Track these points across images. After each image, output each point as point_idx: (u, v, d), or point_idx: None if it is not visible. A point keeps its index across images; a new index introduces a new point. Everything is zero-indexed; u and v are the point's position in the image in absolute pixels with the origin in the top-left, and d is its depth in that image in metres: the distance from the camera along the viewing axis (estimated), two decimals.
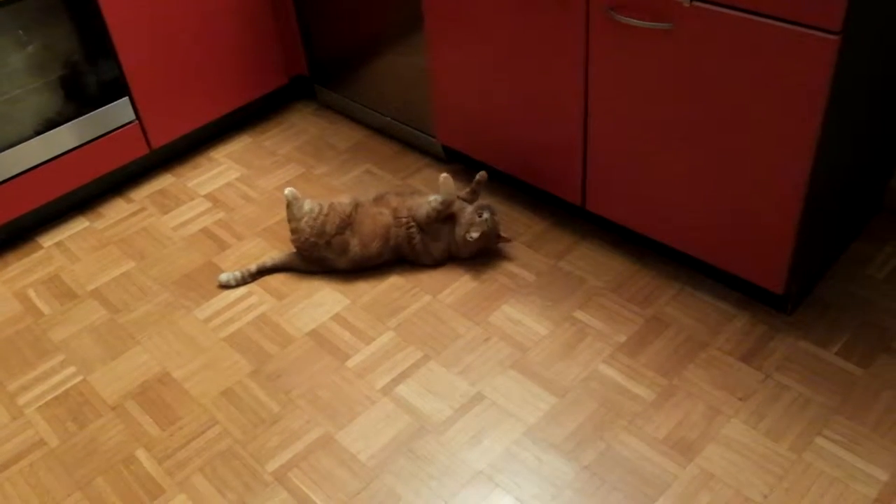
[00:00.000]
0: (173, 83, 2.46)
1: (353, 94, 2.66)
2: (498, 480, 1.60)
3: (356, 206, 2.06)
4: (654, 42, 1.67)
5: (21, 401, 1.87)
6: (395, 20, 2.30)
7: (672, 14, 1.61)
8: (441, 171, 2.45)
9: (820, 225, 1.76)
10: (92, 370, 1.93)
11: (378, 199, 2.08)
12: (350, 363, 1.88)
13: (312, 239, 2.04)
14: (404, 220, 2.04)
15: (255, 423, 1.77)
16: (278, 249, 2.22)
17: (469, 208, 2.05)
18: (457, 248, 2.08)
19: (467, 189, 2.13)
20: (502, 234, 2.09)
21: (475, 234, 2.01)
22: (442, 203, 2.01)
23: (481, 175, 2.12)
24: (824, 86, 1.46)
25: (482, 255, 2.12)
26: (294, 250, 2.13)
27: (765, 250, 1.73)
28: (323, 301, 2.05)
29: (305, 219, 2.04)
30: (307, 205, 2.06)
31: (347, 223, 2.04)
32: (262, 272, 2.13)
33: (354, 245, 2.05)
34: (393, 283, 2.08)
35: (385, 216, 2.05)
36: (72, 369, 1.94)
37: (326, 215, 2.03)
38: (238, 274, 2.11)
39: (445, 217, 2.04)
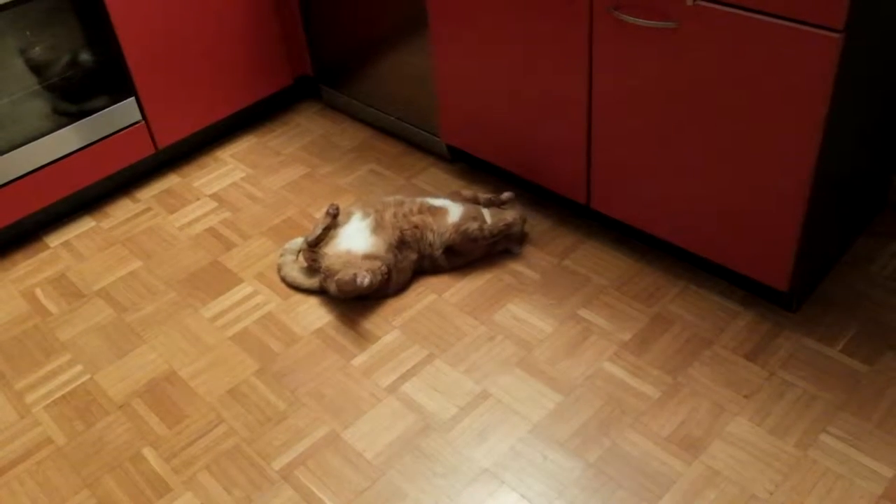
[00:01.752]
0: (179, 84, 2.47)
1: (358, 95, 2.66)
2: (503, 478, 1.61)
3: (389, 249, 2.01)
4: (657, 41, 1.67)
5: (28, 399, 1.88)
6: (399, 20, 2.31)
7: (676, 13, 1.61)
8: (445, 171, 2.46)
9: (824, 222, 1.77)
10: (99, 369, 1.94)
11: (402, 246, 2.02)
12: (356, 362, 1.89)
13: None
14: (429, 252, 2.04)
15: (262, 421, 1.77)
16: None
17: (512, 219, 2.08)
18: (482, 253, 2.11)
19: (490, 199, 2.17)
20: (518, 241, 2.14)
21: (516, 251, 2.11)
22: (494, 234, 2.04)
23: (508, 195, 2.16)
24: (828, 83, 1.46)
25: (490, 254, 2.13)
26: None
27: (769, 248, 1.74)
28: (328, 300, 2.05)
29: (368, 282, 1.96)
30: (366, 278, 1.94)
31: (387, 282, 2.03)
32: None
33: (389, 291, 2.04)
34: None
35: (414, 262, 2.05)
36: (79, 368, 1.95)
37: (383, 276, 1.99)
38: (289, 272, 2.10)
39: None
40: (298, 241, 2.18)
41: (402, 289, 2.05)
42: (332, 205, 2.03)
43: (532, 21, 1.89)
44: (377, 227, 2.02)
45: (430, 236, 2.03)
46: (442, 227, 2.03)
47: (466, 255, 2.07)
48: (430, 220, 2.04)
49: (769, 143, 1.61)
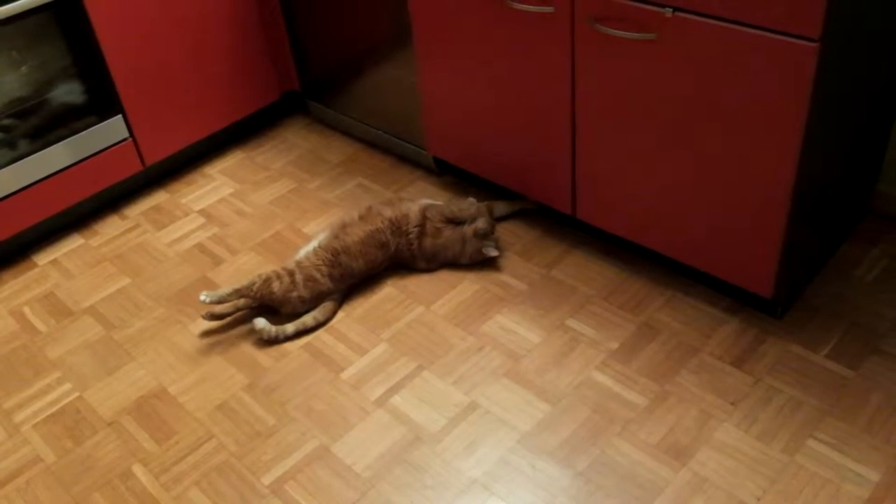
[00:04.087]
0: (166, 100, 2.48)
1: (345, 109, 2.68)
2: (493, 488, 1.61)
3: (342, 227, 2.07)
4: (638, 53, 1.69)
5: (17, 418, 1.88)
6: (385, 36, 2.33)
7: (656, 25, 1.63)
8: (433, 183, 2.47)
9: (807, 229, 1.78)
10: (88, 386, 1.94)
11: (366, 216, 2.09)
12: (344, 375, 1.89)
13: (311, 298, 2.04)
14: (404, 228, 2.08)
15: (251, 436, 1.77)
16: (273, 264, 2.23)
17: (479, 219, 2.12)
18: (457, 255, 2.12)
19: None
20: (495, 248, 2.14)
21: (493, 253, 2.10)
22: (457, 211, 2.12)
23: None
24: (806, 92, 1.48)
25: (476, 265, 2.14)
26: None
27: (753, 255, 1.75)
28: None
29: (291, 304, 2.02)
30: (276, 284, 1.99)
31: (335, 263, 2.03)
32: (301, 333, 2.02)
33: (359, 265, 2.05)
34: (386, 295, 2.09)
35: (380, 231, 2.07)
36: (68, 386, 1.94)
37: (307, 281, 2.01)
38: (273, 331, 1.98)
39: (452, 221, 2.12)
40: (260, 322, 2.01)
41: (368, 260, 2.07)
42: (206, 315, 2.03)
43: (515, 35, 1.91)
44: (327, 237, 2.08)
45: (404, 222, 2.09)
46: (416, 207, 2.14)
47: (437, 237, 2.09)
48: (410, 205, 2.14)
49: (750, 151, 1.63)
